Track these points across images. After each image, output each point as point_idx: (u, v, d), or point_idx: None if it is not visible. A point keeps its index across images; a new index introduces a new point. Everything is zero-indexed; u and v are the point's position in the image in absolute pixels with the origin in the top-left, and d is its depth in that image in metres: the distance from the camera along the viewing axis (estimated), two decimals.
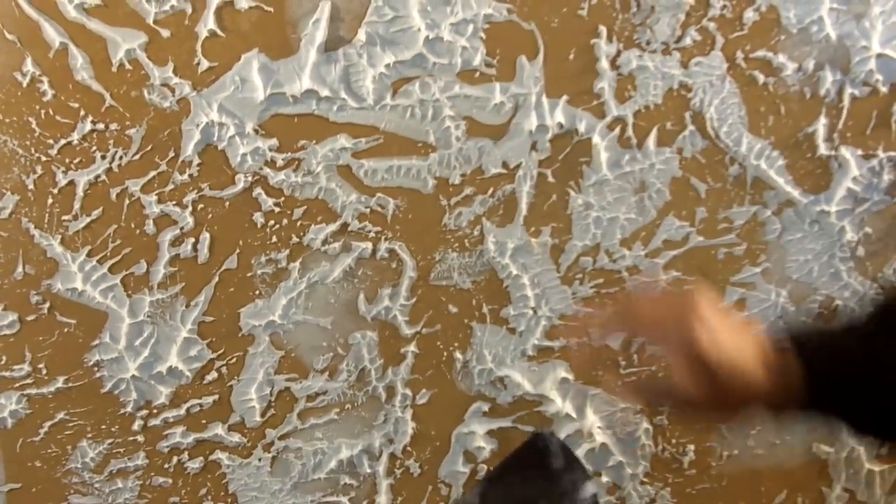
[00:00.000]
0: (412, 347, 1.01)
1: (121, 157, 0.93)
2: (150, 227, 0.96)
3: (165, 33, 0.90)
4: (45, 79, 0.90)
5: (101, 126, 0.92)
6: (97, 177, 0.94)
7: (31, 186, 0.94)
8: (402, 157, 0.95)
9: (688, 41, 0.93)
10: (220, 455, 1.04)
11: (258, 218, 0.96)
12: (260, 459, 1.05)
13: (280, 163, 0.94)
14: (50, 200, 0.94)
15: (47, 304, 0.98)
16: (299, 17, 0.91)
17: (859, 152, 0.97)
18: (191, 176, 0.94)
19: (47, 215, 0.95)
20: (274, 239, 0.97)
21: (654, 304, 0.68)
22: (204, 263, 0.97)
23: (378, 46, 0.91)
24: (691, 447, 1.05)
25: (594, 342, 0.74)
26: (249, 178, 0.95)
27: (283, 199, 0.96)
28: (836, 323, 0.69)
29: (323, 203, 0.96)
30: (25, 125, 0.92)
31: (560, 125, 0.95)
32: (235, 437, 1.04)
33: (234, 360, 1.01)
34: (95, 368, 1.01)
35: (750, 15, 0.92)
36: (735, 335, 0.66)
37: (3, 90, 0.91)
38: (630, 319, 0.69)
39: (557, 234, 0.98)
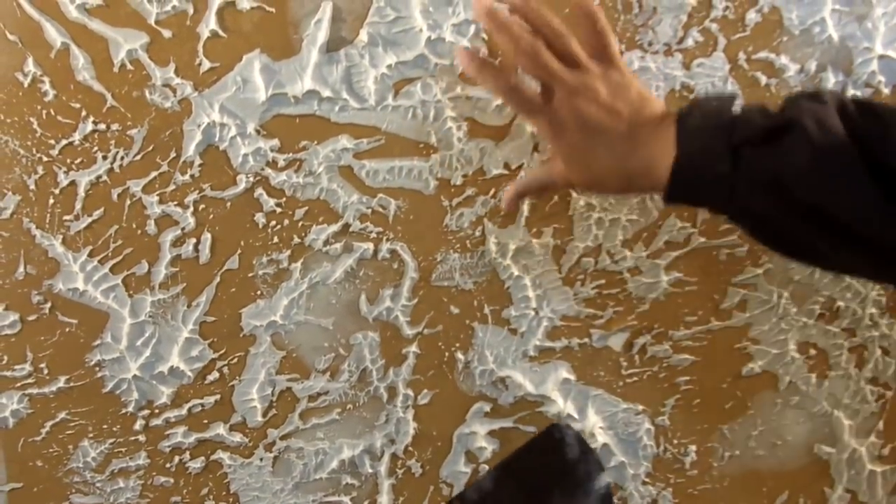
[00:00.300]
0: (414, 348, 1.01)
1: (122, 158, 0.93)
2: (151, 227, 0.95)
3: (167, 34, 0.90)
4: (46, 79, 0.90)
5: (102, 126, 0.92)
6: (98, 177, 0.94)
7: (32, 186, 0.93)
8: (403, 157, 0.95)
9: (690, 42, 0.92)
10: (222, 455, 1.04)
11: (260, 218, 0.96)
12: (262, 459, 1.04)
13: (281, 163, 0.94)
14: (51, 200, 0.94)
15: (49, 304, 0.97)
16: (301, 18, 0.90)
17: None
18: (192, 176, 0.94)
19: (49, 215, 0.94)
20: (275, 239, 0.96)
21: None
22: (205, 264, 0.97)
23: (380, 47, 0.91)
24: (693, 448, 1.05)
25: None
26: (251, 179, 0.94)
27: (284, 199, 0.95)
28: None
29: (324, 204, 0.96)
30: (27, 125, 0.91)
31: None
32: (237, 437, 1.04)
33: (235, 360, 1.01)
34: (97, 368, 1.00)
35: (752, 16, 0.92)
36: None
37: (4, 90, 0.90)
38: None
39: (559, 235, 0.97)
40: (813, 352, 1.02)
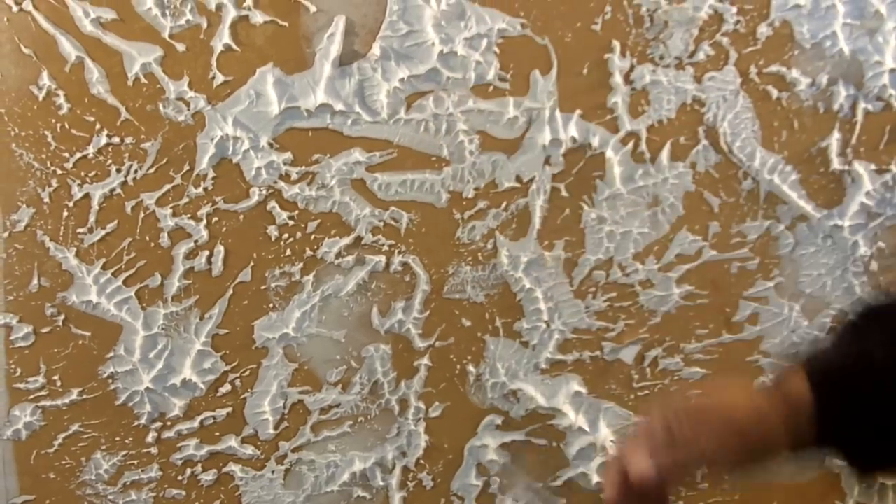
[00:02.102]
0: (425, 360, 0.99)
1: (136, 171, 0.91)
2: (164, 239, 0.93)
3: (181, 47, 0.88)
4: (60, 92, 0.89)
5: (116, 139, 0.90)
6: (112, 190, 0.92)
7: (46, 199, 0.92)
8: (415, 170, 0.93)
9: (701, 56, 0.90)
10: (234, 467, 1.02)
11: (272, 231, 0.94)
12: (273, 472, 1.02)
13: (294, 176, 0.92)
14: (65, 213, 0.92)
15: (62, 317, 0.95)
16: (314, 32, 0.89)
17: (872, 167, 0.94)
18: (205, 189, 0.92)
19: (62, 228, 0.93)
20: (288, 252, 0.95)
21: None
22: (218, 276, 0.95)
23: (392, 61, 0.89)
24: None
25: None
26: (264, 192, 0.93)
27: (297, 212, 0.93)
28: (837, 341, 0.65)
29: (337, 216, 0.94)
30: (41, 139, 0.90)
31: (573, 139, 0.92)
32: (249, 450, 1.01)
33: (247, 372, 0.98)
34: (110, 380, 0.98)
35: (763, 30, 0.90)
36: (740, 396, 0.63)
37: (19, 104, 0.89)
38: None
39: (570, 247, 0.95)
40: None
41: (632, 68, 0.91)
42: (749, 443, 0.61)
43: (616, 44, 0.90)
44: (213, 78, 0.89)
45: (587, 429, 1.00)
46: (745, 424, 0.61)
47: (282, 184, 0.92)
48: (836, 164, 0.94)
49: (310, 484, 1.03)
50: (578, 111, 0.91)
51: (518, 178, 0.93)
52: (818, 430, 0.60)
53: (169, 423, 1.00)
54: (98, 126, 0.90)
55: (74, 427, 1.00)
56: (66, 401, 0.98)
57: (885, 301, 0.67)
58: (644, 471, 0.65)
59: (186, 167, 0.92)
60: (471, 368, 0.99)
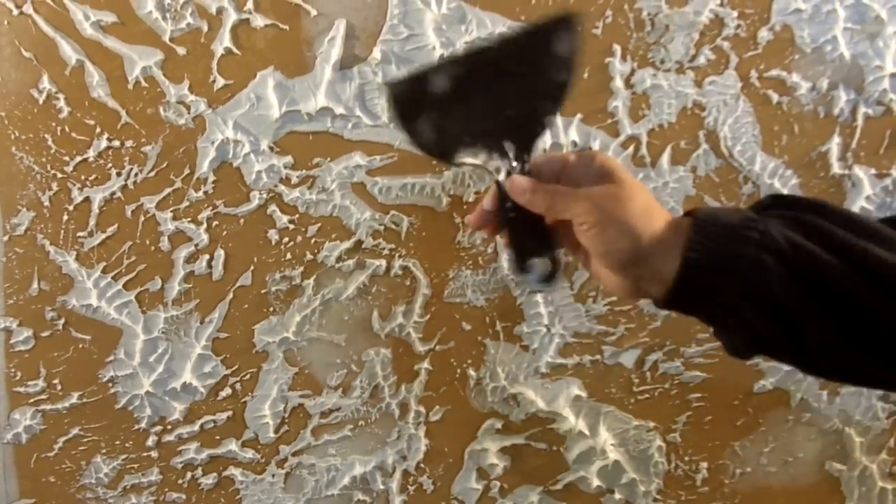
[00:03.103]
0: (426, 364, 0.97)
1: (136, 174, 0.90)
2: (164, 243, 0.92)
3: (181, 51, 0.87)
4: (61, 96, 0.87)
5: (116, 143, 0.89)
6: (112, 193, 0.90)
7: (46, 203, 0.90)
8: (416, 174, 0.91)
9: (702, 60, 0.89)
10: (234, 471, 1.00)
11: (273, 235, 0.92)
12: (273, 475, 1.01)
13: (295, 180, 0.91)
14: (65, 217, 0.91)
15: (62, 321, 0.94)
16: (314, 36, 0.88)
17: (873, 171, 0.93)
18: (206, 193, 0.91)
19: (63, 232, 0.91)
20: (288, 256, 0.93)
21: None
22: (218, 280, 0.94)
23: (393, 64, 0.88)
24: (704, 465, 1.01)
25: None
26: (264, 196, 0.91)
27: (297, 216, 0.92)
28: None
29: (337, 220, 0.92)
30: (41, 142, 0.88)
31: (574, 143, 0.91)
32: (249, 453, 1.00)
33: (248, 376, 0.97)
34: (110, 384, 0.97)
35: (764, 34, 0.88)
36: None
37: (19, 107, 0.87)
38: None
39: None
40: None
41: (632, 72, 0.89)
42: (632, 253, 0.62)
43: (617, 48, 0.89)
44: (214, 81, 0.88)
45: (587, 432, 0.99)
46: (640, 234, 0.62)
47: (282, 187, 0.91)
48: (836, 168, 0.92)
49: (310, 488, 1.01)
50: (579, 115, 0.90)
51: None
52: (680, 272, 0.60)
53: (169, 427, 0.99)
54: (98, 129, 0.88)
55: (74, 431, 0.98)
56: (67, 404, 0.97)
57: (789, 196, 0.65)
58: (524, 186, 0.67)
59: (187, 171, 0.90)
60: (471, 372, 0.98)
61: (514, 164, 0.68)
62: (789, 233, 0.58)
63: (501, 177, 0.68)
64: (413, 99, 0.69)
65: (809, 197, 0.66)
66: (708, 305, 0.62)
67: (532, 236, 0.68)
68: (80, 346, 0.95)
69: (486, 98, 0.68)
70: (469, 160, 0.69)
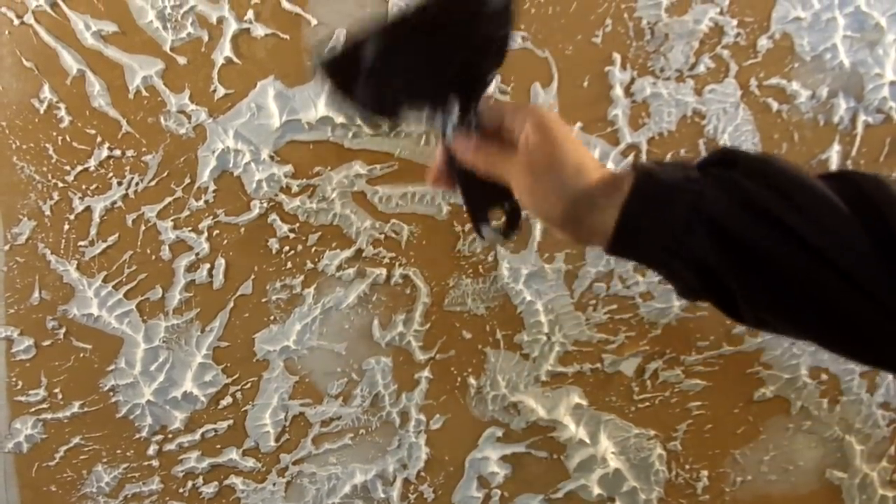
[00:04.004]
0: (426, 373, 0.96)
1: (137, 184, 0.89)
2: (165, 252, 0.91)
3: (182, 60, 0.86)
4: (62, 105, 0.86)
5: (117, 152, 0.88)
6: (113, 203, 0.90)
7: (47, 212, 0.89)
8: (416, 183, 0.91)
9: (702, 68, 0.88)
10: (235, 480, 0.99)
11: (273, 244, 0.92)
12: (274, 484, 1.00)
13: (295, 189, 0.90)
14: (66, 226, 0.90)
15: (63, 330, 0.93)
16: (315, 45, 0.87)
17: None
18: (206, 202, 0.90)
19: (64, 241, 0.90)
20: (289, 265, 0.92)
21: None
22: (219, 289, 0.93)
23: None
24: (705, 473, 1.00)
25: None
26: (265, 204, 0.90)
27: (298, 225, 0.91)
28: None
29: (338, 229, 0.92)
30: (42, 151, 0.88)
31: None
32: (250, 462, 0.99)
33: (248, 385, 0.96)
34: (111, 393, 0.96)
35: (764, 42, 0.88)
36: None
37: (20, 117, 0.87)
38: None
39: (571, 260, 0.93)
40: (824, 377, 0.97)
41: (632, 81, 0.89)
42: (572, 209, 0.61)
43: (617, 56, 0.88)
44: (215, 91, 0.87)
45: (587, 441, 0.98)
46: (580, 192, 0.61)
47: (283, 196, 0.90)
48: None
49: (311, 496, 1.00)
50: (579, 123, 0.89)
51: None
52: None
53: (170, 436, 0.98)
54: (99, 139, 0.88)
55: (75, 440, 0.97)
56: (68, 413, 0.96)
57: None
58: (464, 147, 0.67)
59: (187, 180, 0.90)
60: (471, 381, 0.97)
61: (457, 121, 0.67)
62: (723, 199, 0.58)
63: (449, 132, 0.67)
64: (346, 70, 0.67)
65: (758, 154, 0.66)
66: (645, 259, 0.62)
67: (484, 189, 0.68)
68: (81, 355, 0.94)
69: (421, 57, 0.67)
70: (414, 119, 0.68)
